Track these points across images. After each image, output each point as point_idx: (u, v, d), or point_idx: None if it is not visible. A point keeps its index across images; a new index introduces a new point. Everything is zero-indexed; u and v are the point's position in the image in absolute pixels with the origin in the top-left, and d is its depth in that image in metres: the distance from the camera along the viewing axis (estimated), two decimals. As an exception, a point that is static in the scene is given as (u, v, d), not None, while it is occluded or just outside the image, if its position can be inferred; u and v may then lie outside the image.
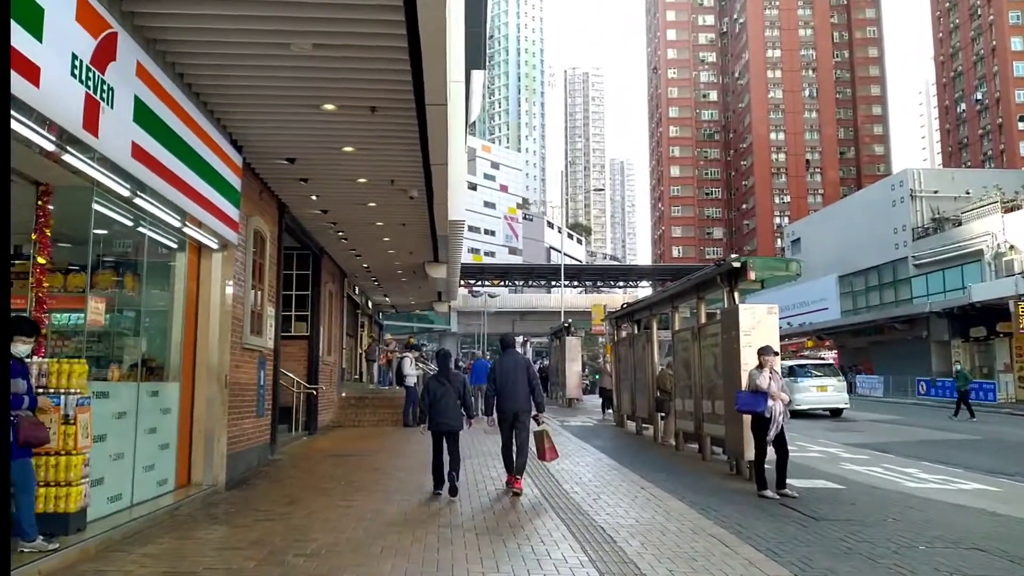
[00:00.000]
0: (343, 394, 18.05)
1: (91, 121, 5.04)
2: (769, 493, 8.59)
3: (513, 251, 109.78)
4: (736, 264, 10.10)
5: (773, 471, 8.78)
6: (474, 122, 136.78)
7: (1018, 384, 30.27)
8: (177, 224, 7.44)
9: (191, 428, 8.41)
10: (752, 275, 10.00)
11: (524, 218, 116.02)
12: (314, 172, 9.95)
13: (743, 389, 9.04)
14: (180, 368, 8.09)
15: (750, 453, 9.46)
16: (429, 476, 8.60)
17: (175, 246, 8.10)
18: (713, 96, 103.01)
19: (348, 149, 8.89)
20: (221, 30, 6.07)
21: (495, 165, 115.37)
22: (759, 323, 9.80)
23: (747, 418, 9.18)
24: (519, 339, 53.61)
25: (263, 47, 6.33)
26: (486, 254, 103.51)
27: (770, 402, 8.56)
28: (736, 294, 10.53)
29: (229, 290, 8.86)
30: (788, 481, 8.88)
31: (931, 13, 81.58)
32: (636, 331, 16.82)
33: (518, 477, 8.51)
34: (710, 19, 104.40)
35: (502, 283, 63.93)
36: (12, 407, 4.91)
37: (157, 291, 8.00)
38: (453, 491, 8.19)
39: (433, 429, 8.43)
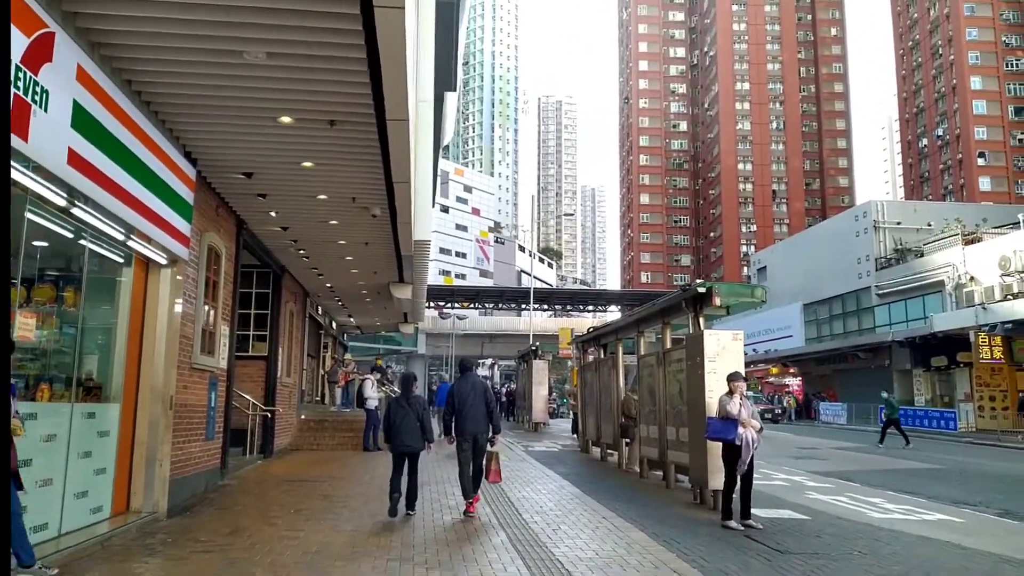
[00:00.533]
0: (302, 416, 17.58)
1: (20, 124, 4.74)
2: (733, 524, 8.39)
3: (484, 274, 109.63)
4: (701, 289, 9.98)
5: (737, 500, 8.61)
6: (447, 145, 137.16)
7: (978, 413, 30.64)
8: (121, 237, 7.10)
9: (132, 452, 8.00)
10: (717, 300, 9.89)
11: (496, 241, 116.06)
12: (272, 187, 9.65)
13: (713, 415, 8.87)
14: (122, 388, 7.70)
15: (715, 482, 9.27)
16: (383, 504, 8.55)
17: (121, 260, 7.75)
18: (683, 126, 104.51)
19: (307, 164, 8.62)
20: (170, 35, 5.80)
21: (468, 188, 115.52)
22: (724, 349, 9.66)
23: (715, 446, 9.01)
24: (487, 362, 53.30)
25: (215, 54, 6.07)
26: (457, 276, 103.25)
27: (741, 430, 8.40)
28: (701, 320, 10.41)
29: (178, 307, 8.50)
30: (752, 511, 8.71)
31: (895, 51, 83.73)
32: (602, 355, 16.65)
33: (475, 495, 8.82)
34: (681, 51, 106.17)
35: (472, 305, 63.62)
36: None
37: (100, 307, 7.63)
38: (410, 505, 8.58)
39: (394, 451, 8.66)
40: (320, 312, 21.17)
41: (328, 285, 17.36)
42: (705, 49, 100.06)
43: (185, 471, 9.08)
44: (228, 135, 7.89)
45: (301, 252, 13.49)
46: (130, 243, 7.36)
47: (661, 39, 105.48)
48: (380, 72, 6.15)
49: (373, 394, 16.00)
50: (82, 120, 5.69)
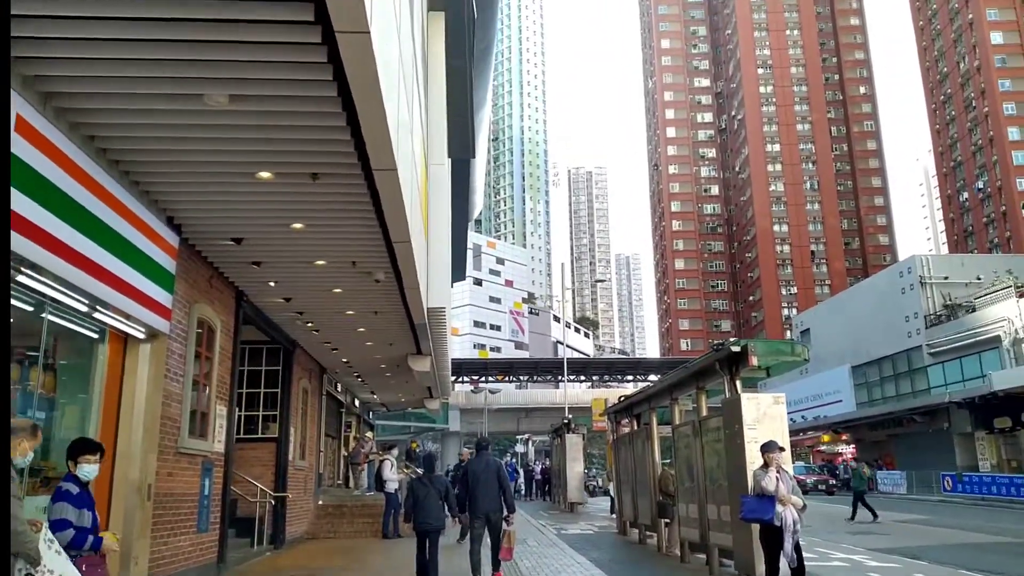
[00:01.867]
0: (320, 502, 16.61)
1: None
2: (786, 619, 7.21)
3: (519, 346, 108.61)
4: (736, 348, 9.01)
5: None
6: (479, 220, 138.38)
7: (1052, 478, 28.39)
8: (84, 309, 6.46)
9: (103, 549, 7.16)
10: (755, 360, 8.89)
11: (530, 312, 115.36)
12: (266, 254, 9.04)
13: (748, 493, 7.80)
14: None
15: (761, 568, 8.10)
16: None
17: (94, 336, 7.10)
18: (715, 190, 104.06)
19: (297, 226, 7.99)
20: (120, 79, 5.23)
21: (500, 260, 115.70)
22: (764, 415, 8.62)
23: (756, 527, 7.90)
24: (523, 437, 51.85)
25: (172, 100, 5.49)
26: (492, 349, 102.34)
27: (779, 507, 7.30)
28: (738, 383, 9.39)
29: (160, 387, 7.79)
30: (809, 603, 7.53)
31: (927, 105, 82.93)
32: (636, 427, 15.53)
33: (499, 571, 9.11)
34: (708, 116, 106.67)
35: (506, 379, 62.46)
36: (74, 545, 4.40)
37: (68, 388, 6.94)
38: None
39: (417, 529, 8.85)
40: (339, 389, 20.41)
41: (344, 360, 16.64)
42: (733, 113, 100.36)
43: (171, 567, 8.21)
44: (207, 195, 7.30)
45: (309, 325, 12.82)
46: (97, 315, 6.71)
47: (688, 105, 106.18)
48: (357, 115, 5.51)
49: (392, 476, 15.02)
50: (27, 180, 5.12)
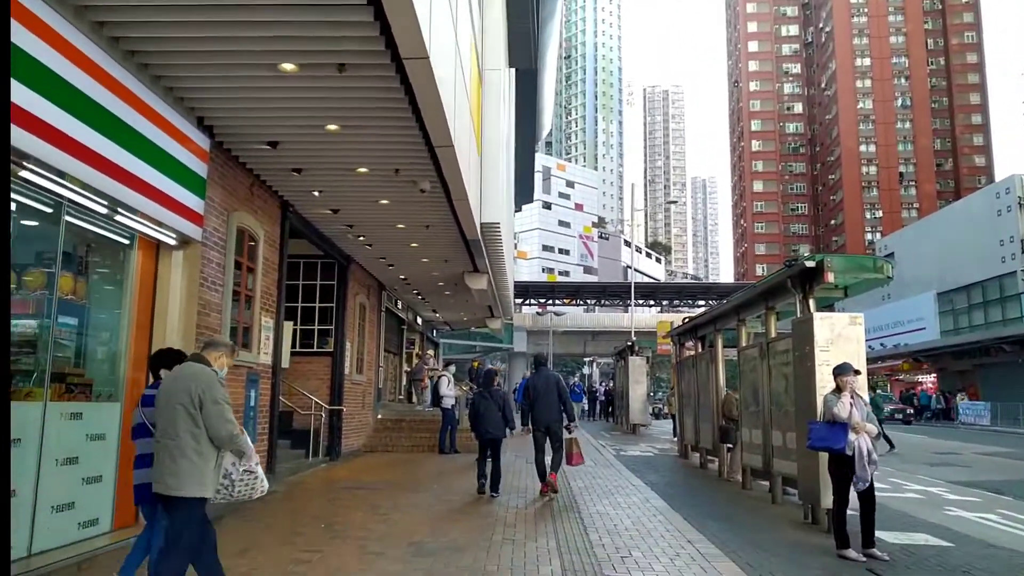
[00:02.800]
0: (379, 416, 16.69)
1: None
2: (852, 554, 6.64)
3: (588, 270, 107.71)
4: (810, 263, 8.19)
5: (857, 521, 6.84)
6: (549, 141, 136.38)
7: None
8: (106, 213, 6.15)
9: (141, 457, 7.10)
10: (831, 277, 8.07)
11: (600, 237, 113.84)
12: (305, 160, 8.61)
13: (816, 419, 7.15)
14: (124, 386, 6.78)
15: (828, 499, 7.52)
16: (428, 517, 7.93)
17: (123, 242, 6.83)
18: (798, 108, 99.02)
19: (332, 127, 7.48)
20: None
21: (570, 184, 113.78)
22: (839, 336, 7.86)
23: (824, 456, 7.29)
24: (589, 359, 51.76)
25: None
26: (560, 273, 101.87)
27: (852, 436, 6.65)
28: (812, 303, 8.60)
29: (195, 294, 7.56)
30: (878, 535, 6.93)
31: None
32: (700, 349, 14.88)
33: (553, 471, 9.52)
34: (794, 29, 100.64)
35: (574, 302, 62.06)
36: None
37: (98, 295, 6.73)
38: (495, 487, 9.54)
39: (479, 438, 9.89)
40: (400, 306, 20.29)
41: (402, 277, 16.36)
42: (820, 25, 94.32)
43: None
44: (233, 92, 6.84)
45: (361, 239, 12.48)
46: (123, 220, 6.41)
47: (772, 17, 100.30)
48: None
49: (449, 392, 14.86)
50: (35, 75, 4.77)
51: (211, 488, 4.34)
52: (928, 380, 43.15)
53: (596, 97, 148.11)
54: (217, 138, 7.89)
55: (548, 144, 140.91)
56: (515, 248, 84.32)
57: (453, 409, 14.89)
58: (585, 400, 34.30)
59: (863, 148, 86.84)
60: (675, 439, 19.33)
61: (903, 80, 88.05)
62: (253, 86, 6.64)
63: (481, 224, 12.28)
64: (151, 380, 5.11)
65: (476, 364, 24.08)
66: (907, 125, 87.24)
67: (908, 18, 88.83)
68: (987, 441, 24.18)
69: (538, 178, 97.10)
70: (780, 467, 9.41)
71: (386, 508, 8.60)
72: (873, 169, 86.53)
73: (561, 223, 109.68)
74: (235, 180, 8.61)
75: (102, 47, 5.68)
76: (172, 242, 7.26)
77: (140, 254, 7.06)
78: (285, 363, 12.78)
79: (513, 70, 22.85)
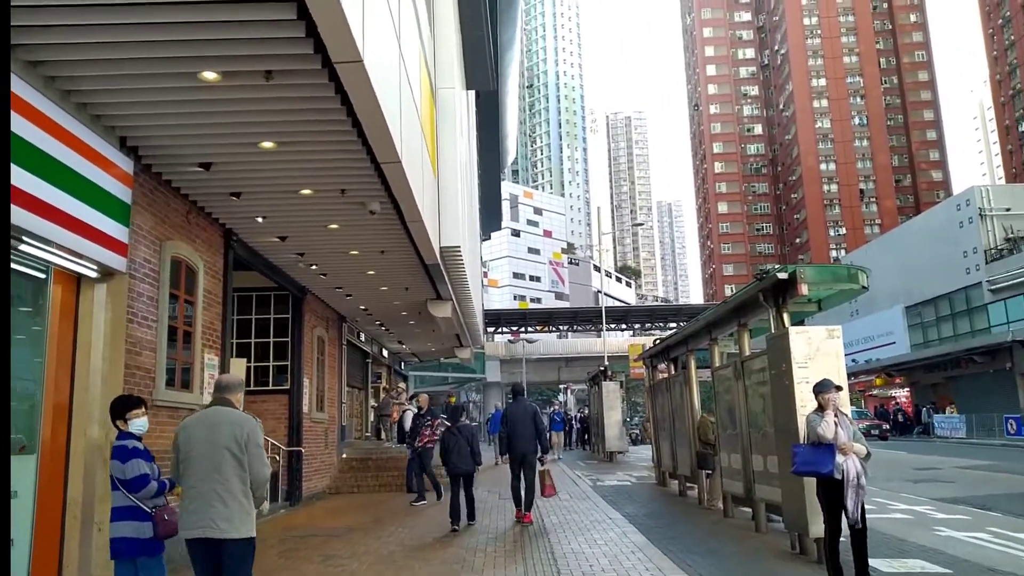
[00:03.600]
0: (343, 455, 15.90)
1: None
2: (848, 588, 6.10)
3: (560, 296, 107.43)
4: (783, 275, 7.75)
5: (849, 548, 6.31)
6: (516, 170, 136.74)
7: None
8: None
9: (64, 515, 6.37)
10: (804, 289, 7.63)
11: (570, 263, 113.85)
12: (242, 183, 8.01)
13: (800, 442, 6.65)
14: (39, 437, 6.06)
15: (816, 528, 6.99)
16: (392, 569, 7.21)
17: (39, 275, 6.16)
18: (758, 130, 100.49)
19: (267, 145, 6.91)
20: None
21: (538, 211, 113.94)
22: (817, 351, 7.40)
23: (811, 481, 6.78)
24: (564, 387, 51.15)
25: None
26: (532, 300, 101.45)
27: (840, 458, 6.14)
28: (786, 316, 8.15)
29: (122, 331, 6.88)
30: (872, 564, 6.41)
31: (983, 31, 78.12)
32: (673, 371, 14.39)
33: (527, 512, 9.93)
34: (750, 52, 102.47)
35: (546, 328, 61.51)
36: (157, 494, 4.77)
37: (14, 335, 6.04)
38: (471, 516, 10.02)
39: (450, 472, 10.02)
40: (364, 339, 19.57)
41: (362, 307, 15.71)
42: (776, 48, 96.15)
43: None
44: (154, 107, 6.23)
45: (314, 268, 11.85)
46: (28, 250, 5.75)
47: (728, 41, 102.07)
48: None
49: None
50: None
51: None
52: (901, 394, 43.16)
53: (560, 125, 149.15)
54: (144, 160, 7.27)
55: (515, 172, 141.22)
56: (486, 276, 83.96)
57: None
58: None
59: (823, 166, 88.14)
60: (654, 465, 18.80)
61: (859, 99, 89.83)
62: (175, 99, 6.05)
63: (440, 248, 11.73)
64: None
65: (452, 400, 23.33)
66: (865, 143, 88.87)
67: (860, 39, 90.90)
68: (965, 454, 23.96)
69: (506, 206, 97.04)
70: (763, 493, 8.89)
71: (342, 557, 7.90)
72: (834, 187, 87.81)
73: (531, 250, 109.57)
74: (167, 206, 7.98)
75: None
76: (93, 275, 6.59)
77: (58, 289, 6.39)
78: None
79: (472, 94, 22.51)
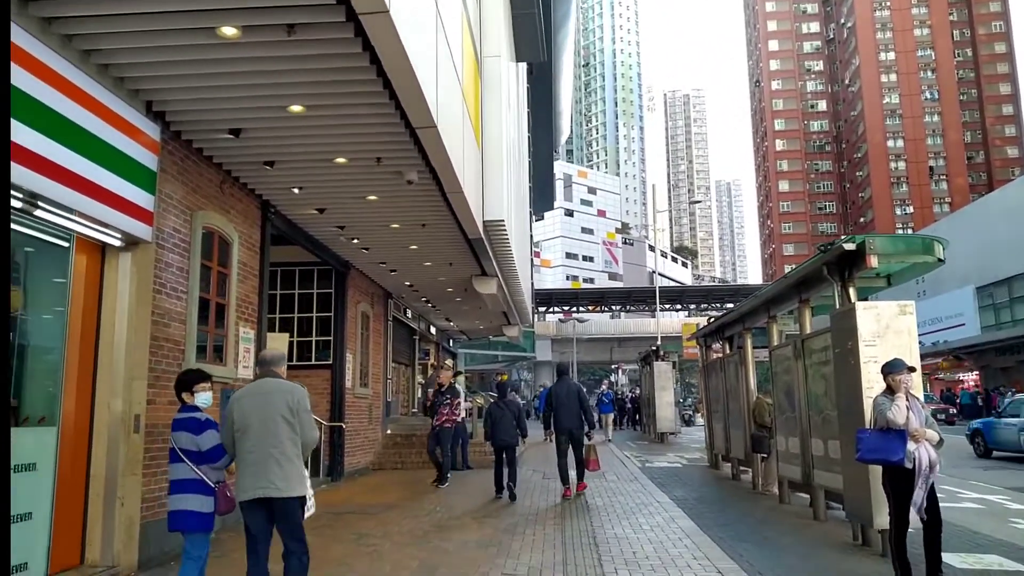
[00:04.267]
0: (388, 431, 15.76)
1: None
2: (916, 586, 5.56)
3: (613, 277, 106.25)
4: (849, 246, 7.12)
5: (918, 539, 5.74)
6: (570, 149, 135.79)
7: None
8: (25, 208, 5.30)
9: (87, 490, 6.23)
10: (874, 261, 6.99)
11: (624, 243, 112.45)
12: (274, 151, 7.73)
13: (866, 427, 6.08)
14: (60, 409, 5.90)
15: (882, 519, 6.43)
16: (415, 557, 6.81)
17: (63, 244, 5.98)
18: (822, 106, 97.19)
19: (296, 109, 6.60)
20: None
21: (592, 190, 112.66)
22: (887, 328, 6.79)
23: (876, 469, 6.22)
24: (615, 366, 50.57)
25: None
26: (585, 280, 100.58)
27: (911, 446, 5.57)
28: (852, 291, 7.52)
29: (148, 302, 6.70)
30: (945, 559, 5.84)
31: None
32: (728, 351, 13.78)
33: (580, 481, 10.26)
34: (815, 26, 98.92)
35: (599, 308, 60.85)
36: (210, 460, 4.77)
37: (38, 304, 5.88)
38: (512, 497, 10.04)
39: (495, 444, 10.57)
40: (410, 315, 19.37)
41: (408, 283, 15.46)
42: (842, 21, 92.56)
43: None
44: (177, 68, 5.96)
45: (355, 242, 11.59)
46: (51, 218, 5.55)
47: (792, 15, 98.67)
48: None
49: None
50: None
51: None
52: (970, 378, 41.35)
53: (616, 103, 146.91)
54: (173, 127, 7.05)
55: (569, 152, 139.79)
56: (537, 256, 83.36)
57: (464, 422, 13.91)
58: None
59: (891, 143, 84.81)
60: (706, 447, 18.22)
61: (930, 73, 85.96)
62: (196, 58, 5.76)
63: (484, 222, 11.36)
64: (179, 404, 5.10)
65: (504, 376, 22.97)
66: (935, 118, 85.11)
67: (932, 10, 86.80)
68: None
69: (559, 185, 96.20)
70: (822, 479, 8.31)
71: (375, 537, 7.65)
72: (902, 164, 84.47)
73: (584, 230, 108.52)
74: (199, 175, 7.76)
75: (16, 21, 4.85)
76: (117, 243, 6.41)
77: (82, 257, 6.22)
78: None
79: (523, 69, 21.98)
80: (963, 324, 42.98)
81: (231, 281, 8.49)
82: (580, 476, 10.28)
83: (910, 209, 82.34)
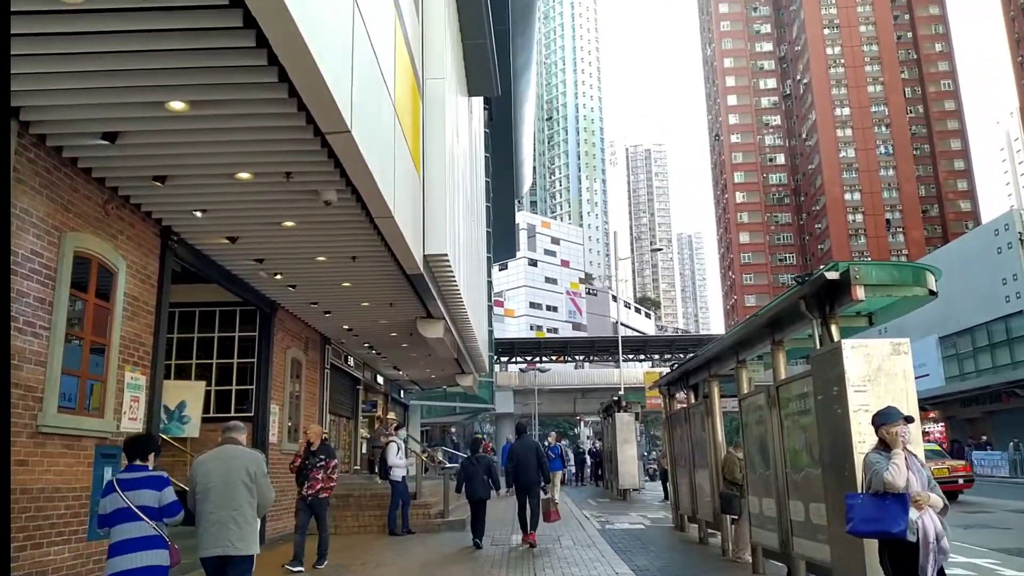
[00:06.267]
0: (323, 492, 14.26)
1: None
2: None
3: (577, 327, 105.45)
4: (832, 275, 6.12)
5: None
6: (534, 200, 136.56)
7: None
8: None
9: None
10: (860, 292, 5.99)
11: (588, 293, 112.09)
12: (162, 163, 6.57)
13: (858, 491, 4.99)
14: None
15: (882, 602, 5.30)
16: None
17: None
18: (780, 159, 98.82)
19: (177, 107, 5.47)
20: None
21: (555, 240, 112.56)
22: (879, 371, 5.76)
23: (872, 542, 5.12)
24: (578, 419, 49.34)
25: None
26: (549, 330, 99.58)
27: (914, 514, 4.50)
28: (834, 329, 6.51)
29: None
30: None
31: (1012, 59, 76.40)
32: (693, 400, 12.71)
33: (532, 532, 10.89)
34: (772, 82, 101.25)
35: (562, 358, 59.69)
36: (170, 514, 4.88)
37: None
38: (480, 536, 11.04)
39: (469, 499, 11.28)
40: (352, 363, 18.01)
41: (346, 327, 14.19)
42: (798, 77, 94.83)
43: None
44: (26, 46, 4.83)
45: (278, 277, 10.37)
46: None
47: (749, 72, 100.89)
48: None
49: (399, 461, 12.55)
50: None
51: None
52: (936, 430, 40.82)
53: (579, 156, 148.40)
54: (33, 128, 5.88)
55: (533, 203, 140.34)
56: (500, 305, 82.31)
57: (404, 481, 12.57)
58: (572, 462, 31.71)
59: (848, 196, 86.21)
60: (666, 503, 16.92)
61: (884, 128, 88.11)
62: (47, 38, 4.63)
63: (425, 256, 10.25)
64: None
65: (478, 436, 21.39)
66: (891, 172, 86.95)
67: (885, 68, 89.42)
68: (1012, 495, 21.88)
69: (523, 235, 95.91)
70: (803, 549, 7.16)
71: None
72: (859, 217, 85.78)
73: (548, 280, 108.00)
74: (73, 192, 6.55)
75: None
76: (-59, 264, 5.15)
77: None
78: (194, 432, 10.59)
79: (479, 109, 21.23)
80: (927, 375, 42.61)
81: (114, 317, 7.20)
82: (534, 526, 10.90)
83: (869, 260, 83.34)
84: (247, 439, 8.90)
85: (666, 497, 18.26)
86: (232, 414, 11.38)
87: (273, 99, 5.40)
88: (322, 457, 9.56)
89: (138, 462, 4.98)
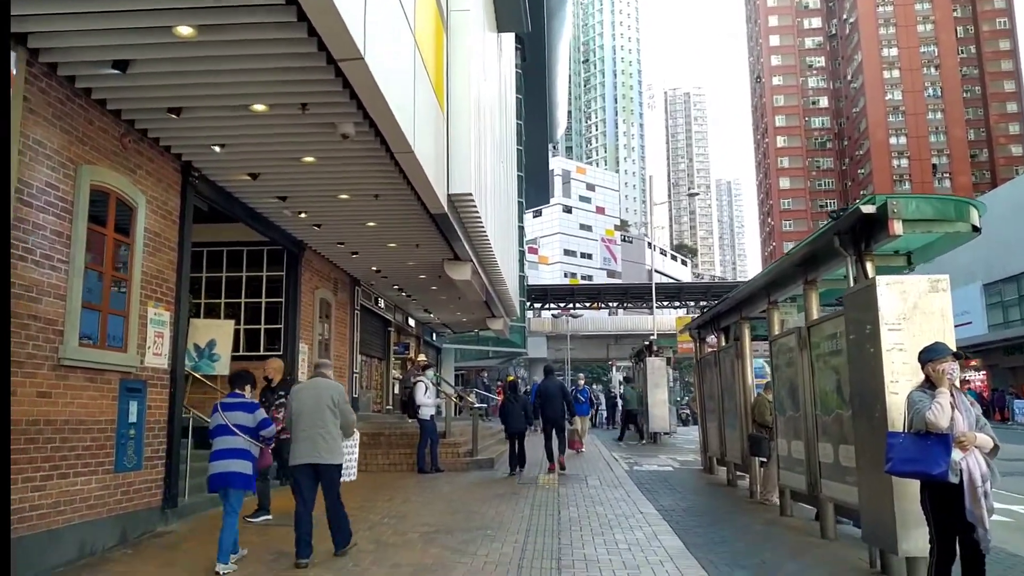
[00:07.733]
0: (353, 430, 14.44)
1: None
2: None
3: (612, 274, 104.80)
4: (868, 209, 5.81)
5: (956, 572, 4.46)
6: (569, 145, 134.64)
7: None
8: None
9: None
10: (897, 227, 5.67)
11: (623, 240, 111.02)
12: (177, 94, 6.43)
13: (901, 429, 4.78)
14: None
15: (909, 545, 5.16)
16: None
17: None
18: (823, 102, 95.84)
19: (184, 32, 5.31)
20: None
21: (591, 187, 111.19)
22: (915, 308, 5.49)
23: (901, 482, 4.95)
24: (611, 364, 49.39)
25: None
26: (583, 278, 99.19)
27: (957, 455, 4.30)
28: (869, 266, 6.23)
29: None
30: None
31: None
32: (724, 343, 12.48)
33: (562, 455, 12.47)
34: (816, 22, 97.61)
35: (596, 305, 59.46)
36: (264, 427, 6.25)
37: None
38: (521, 466, 12.47)
39: (508, 431, 12.64)
40: (383, 305, 18.04)
41: (374, 268, 14.15)
42: (844, 16, 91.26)
43: (57, 521, 5.99)
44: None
45: (303, 216, 10.29)
46: None
47: (793, 10, 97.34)
48: None
49: (427, 400, 12.60)
50: None
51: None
52: (977, 378, 40.00)
53: (616, 100, 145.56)
54: (43, 56, 5.77)
55: (568, 148, 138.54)
56: (534, 252, 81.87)
57: (433, 420, 12.64)
58: (603, 405, 31.63)
59: (893, 140, 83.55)
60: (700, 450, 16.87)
61: (933, 69, 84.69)
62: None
63: (449, 195, 10.07)
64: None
65: (511, 378, 21.37)
66: (939, 115, 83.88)
67: (936, 5, 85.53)
68: (1053, 444, 21.38)
69: (558, 181, 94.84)
70: (832, 491, 7.01)
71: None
72: (904, 162, 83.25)
73: (582, 227, 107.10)
74: (88, 124, 6.47)
75: None
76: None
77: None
78: (224, 369, 10.68)
79: (511, 46, 20.72)
80: (970, 322, 41.61)
81: (135, 253, 7.18)
82: (561, 451, 12.43)
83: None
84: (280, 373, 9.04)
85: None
86: (262, 352, 11.48)
87: (281, 23, 5.20)
88: (281, 394, 8.24)
89: (236, 391, 6.30)
